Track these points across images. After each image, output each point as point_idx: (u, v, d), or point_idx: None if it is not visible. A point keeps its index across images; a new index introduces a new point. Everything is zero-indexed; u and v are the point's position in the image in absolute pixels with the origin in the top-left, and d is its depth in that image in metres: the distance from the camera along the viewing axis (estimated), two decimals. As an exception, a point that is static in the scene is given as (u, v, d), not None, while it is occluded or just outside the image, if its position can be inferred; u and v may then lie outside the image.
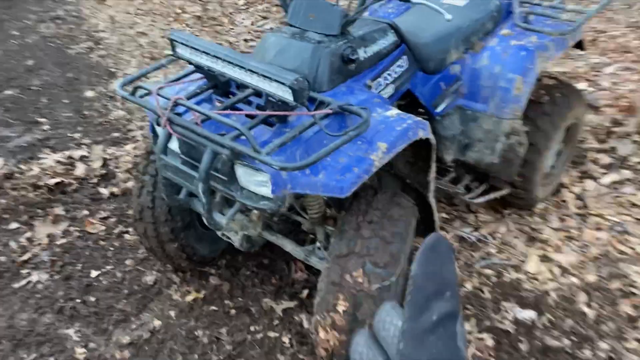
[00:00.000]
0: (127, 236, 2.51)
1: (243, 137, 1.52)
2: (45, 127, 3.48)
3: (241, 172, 1.61)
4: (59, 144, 3.27)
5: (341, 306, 1.61)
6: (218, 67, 1.66)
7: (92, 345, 1.98)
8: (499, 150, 2.32)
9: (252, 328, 2.05)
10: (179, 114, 1.66)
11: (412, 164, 2.00)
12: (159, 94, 1.65)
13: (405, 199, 1.82)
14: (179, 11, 5.42)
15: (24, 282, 2.26)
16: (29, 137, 3.36)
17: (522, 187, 2.48)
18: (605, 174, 2.88)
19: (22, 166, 2.99)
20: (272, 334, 2.02)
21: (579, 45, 2.58)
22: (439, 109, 2.32)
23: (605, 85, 3.69)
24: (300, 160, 1.54)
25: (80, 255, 2.41)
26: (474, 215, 2.64)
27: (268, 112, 1.60)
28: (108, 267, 2.34)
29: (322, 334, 1.66)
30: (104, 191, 2.82)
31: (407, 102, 2.25)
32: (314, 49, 1.75)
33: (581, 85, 3.67)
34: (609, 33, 4.49)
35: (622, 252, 2.37)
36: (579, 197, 2.73)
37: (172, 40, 1.77)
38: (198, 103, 1.78)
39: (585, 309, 2.10)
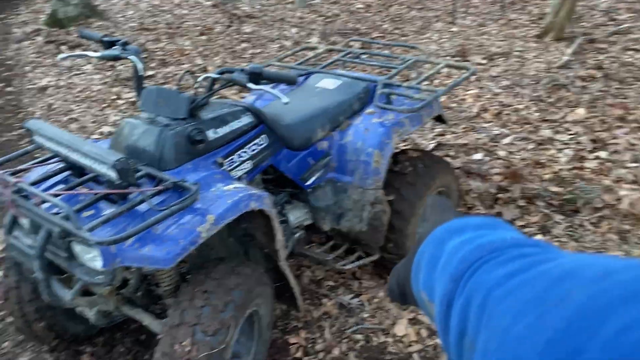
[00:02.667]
0: (9, 319, 2.52)
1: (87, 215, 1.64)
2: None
3: (78, 249, 1.71)
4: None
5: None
6: (64, 151, 1.80)
7: None
8: (366, 218, 2.46)
9: (114, 406, 2.05)
10: (26, 197, 1.77)
11: (267, 234, 2.11)
12: (3, 179, 1.77)
13: (249, 269, 1.92)
14: (115, 97, 5.65)
15: None
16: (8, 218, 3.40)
17: (394, 253, 2.60)
18: (489, 238, 3.03)
19: None
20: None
21: (441, 119, 2.81)
22: (309, 182, 2.48)
23: (502, 155, 3.93)
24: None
25: (-42, 340, 2.41)
26: (358, 282, 2.74)
27: (101, 191, 1.73)
28: (-17, 350, 2.34)
29: (160, 405, 1.70)
30: (-1, 274, 2.84)
31: (276, 176, 2.41)
32: (159, 132, 1.90)
33: (478, 155, 3.92)
34: (513, 106, 4.83)
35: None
36: (460, 261, 2.85)
37: (28, 129, 1.91)
38: (52, 185, 1.90)
39: (444, 370, 2.17)
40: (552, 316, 0.30)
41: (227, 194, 1.82)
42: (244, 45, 7.44)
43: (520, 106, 4.81)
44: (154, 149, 1.89)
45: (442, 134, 4.40)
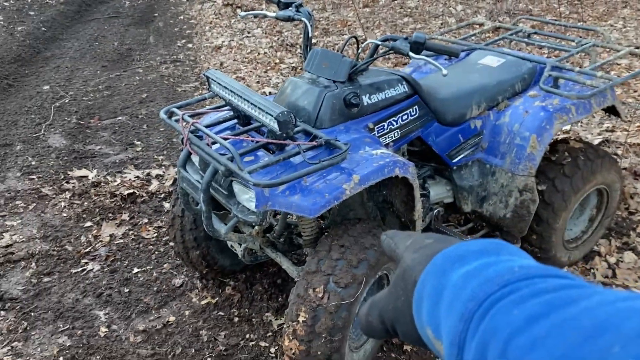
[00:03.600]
0: (172, 244, 2.88)
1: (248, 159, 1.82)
2: (139, 148, 4.06)
3: (237, 189, 1.90)
4: (144, 163, 3.80)
5: (302, 317, 1.79)
6: (235, 101, 1.99)
7: (114, 327, 2.32)
8: (512, 205, 2.37)
9: (247, 335, 2.27)
10: (199, 137, 1.99)
11: (406, 203, 2.15)
12: (184, 119, 2.00)
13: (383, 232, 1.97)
14: (278, 61, 5.99)
15: (80, 269, 2.70)
16: (123, 155, 3.95)
17: (537, 246, 2.48)
18: (649, 247, 2.75)
19: (109, 178, 3.54)
20: (263, 344, 2.22)
21: (615, 112, 2.57)
22: (456, 160, 2.44)
23: (681, 160, 3.50)
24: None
25: (130, 254, 2.81)
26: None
27: (263, 140, 1.88)
28: (148, 267, 2.71)
29: (286, 342, 1.85)
30: (167, 205, 3.25)
31: (421, 149, 2.41)
32: (319, 92, 2.01)
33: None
34: None
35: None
36: (610, 267, 2.63)
37: (207, 78, 2.14)
38: (222, 130, 2.11)
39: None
40: None
41: (374, 157, 1.87)
42: (406, 19, 7.39)
43: None
44: (311, 108, 2.01)
45: (611, 130, 4.01)
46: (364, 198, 2.27)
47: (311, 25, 2.22)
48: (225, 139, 1.90)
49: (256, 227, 2.15)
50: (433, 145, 2.36)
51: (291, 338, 1.83)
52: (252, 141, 1.90)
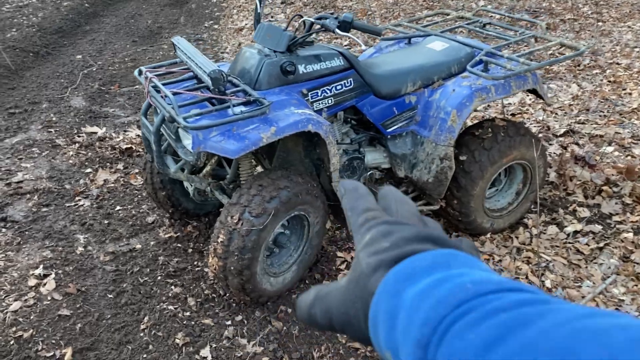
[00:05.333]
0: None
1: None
2: (146, 113, 4.56)
3: (181, 134, 2.32)
4: (150, 119, 4.29)
5: (220, 238, 2.21)
6: (189, 62, 2.41)
7: (89, 247, 2.80)
8: (434, 171, 2.70)
9: (195, 263, 2.70)
10: (158, 90, 2.42)
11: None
12: (146, 76, 2.44)
13: (301, 179, 2.36)
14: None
15: (72, 203, 3.20)
16: (132, 117, 4.46)
17: (457, 210, 2.80)
18: (573, 224, 3.02)
19: (114, 134, 4.05)
20: (206, 270, 2.65)
21: (538, 95, 2.85)
22: (390, 129, 2.79)
23: (637, 153, 3.70)
24: (217, 130, 2.19)
25: (117, 196, 3.29)
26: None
27: (206, 95, 2.29)
28: (129, 207, 3.18)
29: (209, 259, 2.27)
30: (157, 160, 3.72)
31: (358, 119, 2.77)
32: (259, 60, 2.40)
33: (609, 149, 3.74)
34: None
35: (530, 282, 2.55)
36: (531, 237, 2.92)
37: (173, 44, 2.57)
38: (180, 87, 2.54)
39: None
40: None
41: (294, 114, 2.25)
42: (425, 12, 7.63)
43: (692, 108, 4.34)
44: (252, 72, 2.41)
45: (581, 122, 4.23)
46: (300, 155, 2.65)
47: (261, 3, 2.61)
48: (176, 93, 2.32)
49: (204, 170, 2.56)
50: (367, 115, 2.71)
51: (213, 256, 2.25)
52: (196, 95, 2.31)
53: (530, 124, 4.23)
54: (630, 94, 4.77)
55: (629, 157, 3.61)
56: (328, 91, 2.55)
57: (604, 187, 3.24)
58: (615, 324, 0.29)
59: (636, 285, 2.53)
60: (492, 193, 2.98)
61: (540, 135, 3.97)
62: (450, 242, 0.42)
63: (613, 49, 5.80)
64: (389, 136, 2.81)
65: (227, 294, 2.46)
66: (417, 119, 2.80)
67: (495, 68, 2.75)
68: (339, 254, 2.72)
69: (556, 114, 4.39)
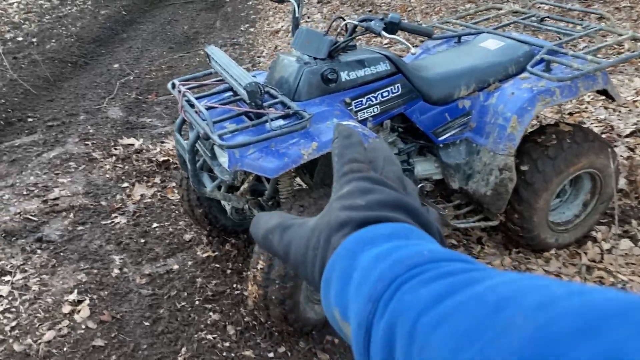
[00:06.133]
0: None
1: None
2: (183, 122, 4.44)
3: (217, 151, 2.15)
4: (184, 135, 4.17)
5: (260, 265, 2.02)
6: (223, 74, 2.24)
7: (125, 269, 2.68)
8: (492, 183, 2.45)
9: (235, 285, 2.54)
10: (192, 105, 2.26)
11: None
12: (179, 89, 2.28)
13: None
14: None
15: (109, 221, 3.09)
16: (169, 127, 4.35)
17: (519, 225, 2.54)
18: (650, 237, 2.71)
19: (151, 146, 3.94)
20: (246, 293, 2.48)
21: (609, 95, 2.56)
22: (442, 137, 2.56)
23: None
24: (255, 147, 2.02)
25: (153, 212, 3.17)
26: (480, 246, 2.75)
27: (242, 109, 2.12)
28: (166, 223, 3.05)
29: (249, 286, 2.09)
30: (194, 172, 3.58)
31: (407, 126, 2.55)
32: (298, 68, 2.21)
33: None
34: None
35: (606, 308, 2.27)
36: (602, 252, 2.63)
37: (207, 54, 2.41)
38: (216, 100, 2.37)
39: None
40: (496, 350, 0.28)
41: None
42: (468, 5, 7.30)
43: None
44: (291, 82, 2.22)
45: (649, 120, 3.87)
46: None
47: (299, 7, 2.42)
48: (210, 107, 2.16)
49: (242, 188, 2.40)
50: (417, 123, 2.49)
51: (252, 283, 2.07)
52: (232, 110, 2.14)
53: (592, 123, 3.89)
54: (700, 85, 4.37)
55: None
56: (373, 99, 2.34)
57: (683, 195, 2.90)
58: (556, 281, 0.31)
59: None
60: (556, 204, 2.70)
61: (604, 136, 3.64)
62: (422, 215, 0.42)
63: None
64: (441, 145, 2.58)
65: (269, 322, 2.28)
66: (472, 126, 2.55)
67: (558, 67, 2.47)
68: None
69: (619, 111, 4.03)
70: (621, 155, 3.36)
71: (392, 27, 2.18)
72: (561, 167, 2.44)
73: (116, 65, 5.89)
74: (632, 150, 3.47)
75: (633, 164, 3.09)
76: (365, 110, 2.32)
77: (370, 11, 7.53)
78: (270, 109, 2.09)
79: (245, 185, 2.32)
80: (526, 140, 2.53)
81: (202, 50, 6.44)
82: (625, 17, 5.98)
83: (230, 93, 2.37)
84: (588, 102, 4.31)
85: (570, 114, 4.15)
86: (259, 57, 6.10)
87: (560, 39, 2.76)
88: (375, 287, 0.35)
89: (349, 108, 2.27)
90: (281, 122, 2.07)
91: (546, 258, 2.61)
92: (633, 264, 2.53)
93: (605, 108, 4.11)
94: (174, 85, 2.40)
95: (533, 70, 2.38)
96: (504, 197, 2.45)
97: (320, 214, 0.44)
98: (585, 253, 2.65)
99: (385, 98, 2.36)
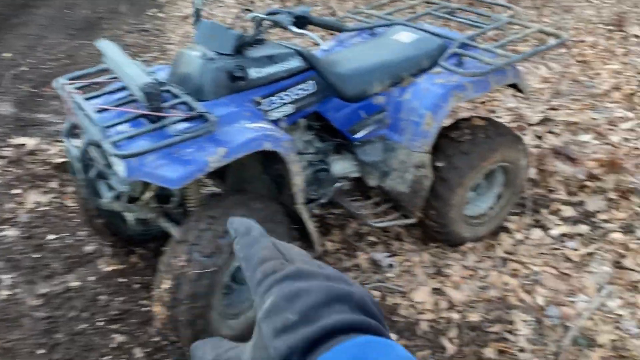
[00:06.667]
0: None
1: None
2: (85, 118, 4.09)
3: (112, 159, 1.93)
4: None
5: (165, 285, 1.85)
6: (117, 72, 2.01)
7: (16, 290, 2.40)
8: (409, 180, 2.41)
9: (142, 302, 2.34)
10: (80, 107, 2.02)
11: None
12: (65, 89, 2.03)
13: (261, 204, 2.02)
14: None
15: (-2, 234, 2.77)
16: (67, 124, 3.97)
17: (435, 221, 2.52)
18: (559, 225, 2.79)
19: (46, 146, 3.58)
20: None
21: (519, 89, 2.58)
22: (358, 135, 2.47)
23: (614, 140, 3.51)
24: (155, 153, 1.82)
25: (50, 222, 2.87)
26: (399, 243, 2.71)
27: (138, 111, 1.91)
28: (63, 234, 2.77)
29: (155, 307, 1.91)
30: (97, 175, 3.29)
31: (323, 124, 2.44)
32: (202, 65, 2.03)
33: (586, 137, 3.54)
34: (657, 88, 4.21)
35: (521, 300, 2.31)
36: (515, 243, 2.68)
37: (100, 49, 2.16)
38: (111, 100, 2.14)
39: (447, 344, 2.11)
40: None
41: (246, 130, 1.90)
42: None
43: (666, 88, 4.18)
44: (195, 80, 2.03)
45: (554, 108, 4.01)
46: (257, 171, 2.30)
47: (201, -2, 2.22)
48: (103, 109, 1.93)
49: (143, 198, 2.19)
50: (332, 121, 2.39)
51: (158, 304, 1.89)
52: (129, 112, 1.93)
53: (502, 112, 3.99)
54: (599, 74, 4.60)
55: (608, 146, 3.42)
56: (286, 97, 2.20)
57: (587, 183, 3.02)
58: None
59: (633, 297, 2.32)
60: (470, 198, 2.71)
61: (514, 125, 3.73)
62: (354, 294, 0.37)
63: (577, 26, 5.63)
64: (357, 143, 2.49)
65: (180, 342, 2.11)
66: (388, 123, 2.49)
67: (470, 61, 2.45)
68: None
69: (528, 99, 4.16)
70: (529, 144, 3.45)
71: (301, 21, 2.05)
72: (475, 162, 2.43)
73: (7, 55, 5.34)
74: (540, 138, 3.58)
75: (542, 153, 3.18)
76: (277, 110, 2.19)
77: (283, 5, 7.33)
78: (173, 110, 1.90)
79: (148, 195, 2.12)
80: (440, 136, 2.50)
81: (106, 37, 5.99)
82: (530, 5, 6.20)
83: (127, 91, 2.15)
84: (498, 91, 4.41)
85: (482, 102, 4.23)
86: (168, 44, 5.76)
87: (472, 31, 2.74)
88: None
89: (260, 107, 2.12)
90: (185, 125, 1.89)
91: (463, 252, 2.62)
92: (544, 254, 2.60)
93: (515, 96, 4.22)
94: (61, 85, 2.14)
95: (446, 65, 2.34)
96: (421, 194, 2.41)
97: (251, 341, 0.39)
98: (500, 244, 2.69)
99: (298, 96, 2.24)
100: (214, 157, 1.81)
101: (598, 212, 2.87)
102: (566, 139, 3.51)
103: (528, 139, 3.52)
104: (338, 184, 2.51)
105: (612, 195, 2.95)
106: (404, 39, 2.64)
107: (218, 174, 2.38)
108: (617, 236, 2.69)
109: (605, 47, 5.13)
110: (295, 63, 2.21)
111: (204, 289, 1.84)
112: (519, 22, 2.68)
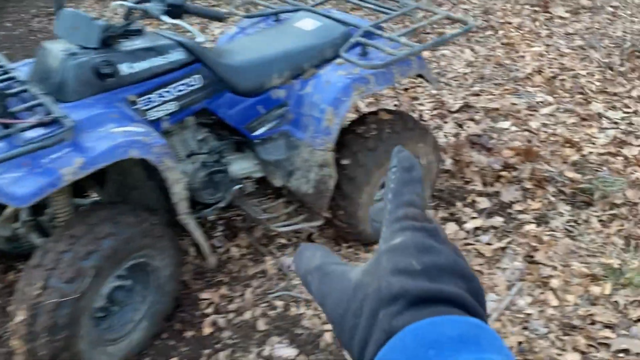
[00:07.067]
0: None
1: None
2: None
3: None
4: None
5: (21, 316, 1.62)
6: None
7: None
8: (313, 180, 2.24)
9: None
10: None
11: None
12: None
13: (134, 219, 1.80)
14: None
15: None
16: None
17: (344, 221, 2.38)
18: (474, 218, 2.71)
19: None
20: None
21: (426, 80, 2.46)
22: (257, 132, 2.28)
23: (533, 126, 3.46)
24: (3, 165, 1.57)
25: None
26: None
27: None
28: None
29: (13, 341, 1.68)
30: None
31: (215, 121, 2.23)
32: (62, 61, 1.78)
33: (505, 124, 3.48)
34: (574, 72, 4.21)
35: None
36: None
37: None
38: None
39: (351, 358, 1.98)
40: None
41: (110, 136, 1.68)
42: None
43: (583, 72, 4.18)
44: (56, 79, 1.78)
45: (477, 94, 3.94)
46: (139, 177, 2.08)
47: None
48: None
49: (4, 214, 1.94)
50: (226, 118, 2.19)
51: (16, 338, 1.66)
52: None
53: (425, 99, 3.88)
54: (523, 56, 4.57)
55: (527, 132, 3.36)
56: (167, 94, 1.99)
57: (502, 172, 2.95)
58: None
59: (542, 293, 2.26)
60: (381, 195, 2.58)
61: (435, 112, 3.64)
62: (475, 280, 0.37)
63: (504, 7, 5.59)
64: (257, 140, 2.30)
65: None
66: (290, 118, 2.31)
67: (374, 51, 2.29)
68: (204, 294, 2.21)
69: (450, 85, 4.07)
70: (449, 133, 3.36)
71: (175, 10, 1.82)
72: (382, 159, 2.29)
73: None
74: (460, 126, 3.50)
75: (458, 143, 3.09)
76: (157, 109, 1.96)
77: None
78: (30, 115, 1.66)
79: (9, 210, 1.87)
80: (346, 131, 2.35)
81: (9, 22, 5.52)
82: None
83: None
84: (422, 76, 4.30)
85: (406, 89, 4.11)
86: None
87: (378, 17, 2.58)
88: None
89: (135, 107, 1.89)
90: (40, 131, 1.64)
91: (376, 251, 2.49)
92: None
93: (439, 81, 4.13)
94: None
95: (346, 56, 2.17)
96: (325, 195, 2.26)
97: (366, 264, 0.39)
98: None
99: (182, 92, 2.02)
100: (69, 169, 1.58)
101: (513, 202, 2.80)
102: (485, 126, 3.43)
103: (449, 127, 3.43)
104: (238, 186, 2.32)
105: (528, 184, 2.89)
106: (306, 26, 2.45)
107: (97, 179, 2.14)
108: (531, 228, 2.62)
109: (530, 29, 5.11)
110: (177, 56, 1.99)
111: (66, 319, 1.62)
112: (427, 7, 2.54)
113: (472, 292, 0.36)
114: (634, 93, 3.81)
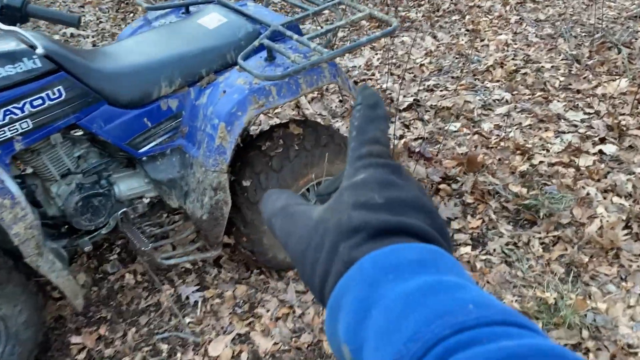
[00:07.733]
0: None
1: None
2: None
3: None
4: None
5: None
6: None
7: None
8: (207, 205, 1.96)
9: None
10: None
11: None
12: None
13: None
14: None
15: None
16: None
17: (249, 249, 2.10)
18: (406, 239, 2.44)
19: None
20: None
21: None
22: (144, 149, 1.98)
23: (485, 128, 3.18)
24: None
25: None
26: (217, 270, 2.28)
27: None
28: None
29: None
30: None
31: (90, 137, 1.93)
32: None
33: (455, 125, 3.19)
34: (539, 64, 3.91)
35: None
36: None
37: None
38: None
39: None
40: None
41: None
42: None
43: (548, 65, 3.88)
44: None
45: (430, 89, 3.64)
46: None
47: None
48: None
49: None
50: (102, 134, 1.88)
51: None
52: None
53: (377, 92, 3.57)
54: (487, 45, 4.26)
55: (476, 136, 3.08)
56: (18, 111, 1.68)
57: (442, 185, 2.67)
58: None
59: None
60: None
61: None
62: (438, 217, 0.36)
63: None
64: (144, 158, 2.00)
65: None
66: (184, 131, 2.01)
67: (282, 56, 1.98)
68: (77, 338, 1.93)
69: (404, 78, 3.76)
70: (393, 135, 3.07)
71: (11, 13, 1.50)
72: (288, 182, 2.00)
73: None
74: (407, 127, 3.21)
75: (396, 151, 2.80)
76: (4, 129, 1.65)
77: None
78: None
79: None
80: (250, 146, 2.06)
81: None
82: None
83: None
84: (376, 67, 3.99)
85: (356, 82, 3.80)
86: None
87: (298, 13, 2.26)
88: (407, 347, 0.28)
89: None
90: None
91: (289, 279, 2.23)
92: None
93: (392, 74, 3.82)
94: None
95: (242, 64, 1.85)
96: (220, 222, 1.97)
97: (328, 202, 0.38)
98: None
99: (37, 108, 1.71)
100: None
101: (451, 219, 2.54)
102: (433, 128, 3.14)
103: (394, 127, 3.13)
104: (124, 209, 2.03)
105: (469, 199, 2.62)
106: (210, 23, 2.13)
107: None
108: (466, 251, 2.37)
109: (500, 14, 4.79)
110: (30, 64, 1.67)
111: None
112: (349, 3, 2.21)
113: (436, 228, 0.35)
114: (599, 91, 3.52)
